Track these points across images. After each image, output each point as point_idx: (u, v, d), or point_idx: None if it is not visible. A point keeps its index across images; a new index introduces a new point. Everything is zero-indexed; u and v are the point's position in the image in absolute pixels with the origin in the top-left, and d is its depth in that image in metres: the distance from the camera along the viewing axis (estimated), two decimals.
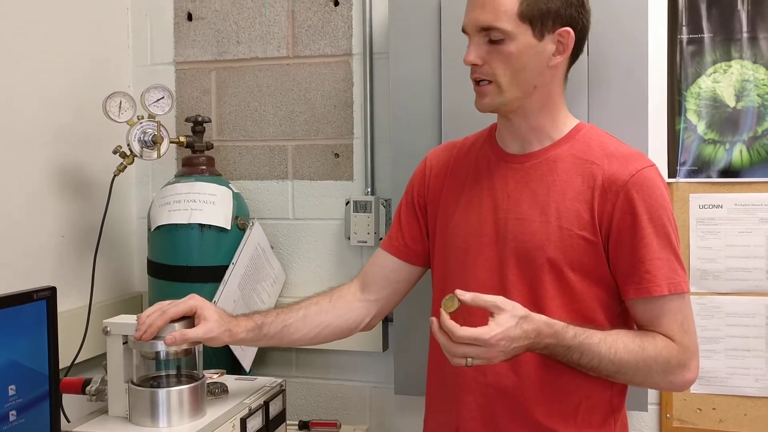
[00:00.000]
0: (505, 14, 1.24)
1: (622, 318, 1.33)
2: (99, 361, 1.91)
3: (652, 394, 1.87)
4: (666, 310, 1.26)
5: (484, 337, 1.15)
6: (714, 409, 1.84)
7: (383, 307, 1.54)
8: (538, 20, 1.25)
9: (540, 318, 1.21)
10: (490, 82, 1.29)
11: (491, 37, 1.26)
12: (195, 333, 1.36)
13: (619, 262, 1.28)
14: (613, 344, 1.24)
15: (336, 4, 2.07)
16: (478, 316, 1.20)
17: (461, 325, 1.16)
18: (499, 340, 1.15)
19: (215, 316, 1.39)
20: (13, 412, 1.17)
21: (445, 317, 1.17)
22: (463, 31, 1.32)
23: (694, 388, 1.84)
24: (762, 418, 1.81)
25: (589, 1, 1.36)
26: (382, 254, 1.53)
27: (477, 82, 1.31)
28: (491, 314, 1.18)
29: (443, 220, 1.44)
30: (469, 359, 1.16)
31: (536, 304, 1.28)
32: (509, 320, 1.17)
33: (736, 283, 1.81)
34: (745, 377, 1.82)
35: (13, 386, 1.17)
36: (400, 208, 1.55)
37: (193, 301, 1.40)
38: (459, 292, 1.18)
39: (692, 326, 1.29)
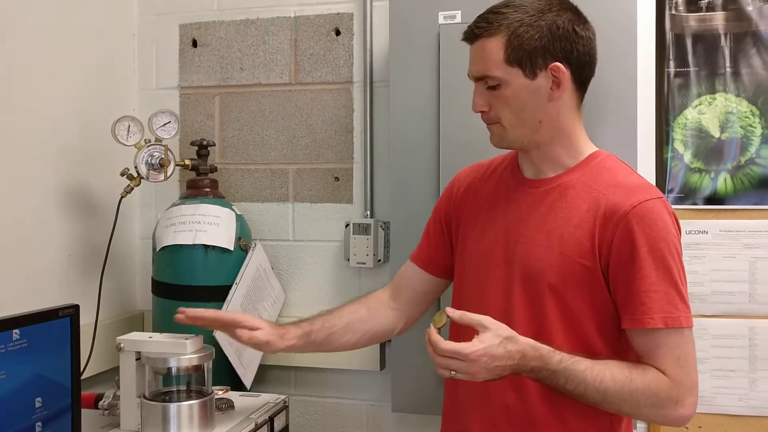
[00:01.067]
0: (494, 62, 1.31)
1: (623, 345, 1.34)
2: (103, 377, 1.96)
3: None
4: (662, 343, 1.26)
5: (465, 352, 1.20)
6: (700, 427, 1.91)
7: (411, 316, 1.61)
8: (526, 61, 1.30)
9: (526, 341, 1.25)
10: (497, 122, 1.36)
11: (488, 83, 1.33)
12: (258, 335, 1.43)
13: (617, 291, 1.30)
14: (599, 373, 1.25)
15: (338, 33, 2.15)
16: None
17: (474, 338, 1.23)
18: (480, 356, 1.20)
19: (265, 324, 1.47)
20: (39, 423, 1.21)
21: (432, 331, 1.24)
22: (469, 77, 1.39)
23: None
24: None
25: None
26: (411, 266, 1.60)
27: (488, 122, 1.39)
28: (477, 332, 1.23)
29: (464, 238, 1.49)
30: (452, 372, 1.22)
31: (539, 327, 1.33)
32: (492, 339, 1.22)
33: (721, 306, 1.89)
34: (729, 396, 1.90)
35: (39, 399, 1.21)
36: (429, 223, 1.61)
37: (240, 314, 1.50)
38: (449, 310, 1.25)
39: (691, 362, 1.28)
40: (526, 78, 1.31)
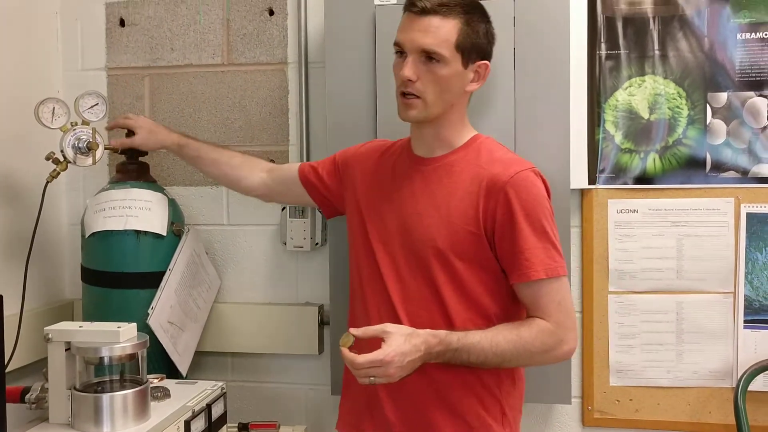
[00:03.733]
0: (446, 42, 1.43)
1: (510, 300, 1.50)
2: (30, 369, 1.90)
3: (575, 388, 1.98)
4: (545, 292, 1.44)
5: (380, 357, 1.34)
6: (631, 399, 1.97)
7: (270, 195, 1.90)
8: (468, 52, 1.46)
9: (425, 331, 1.41)
10: (417, 97, 1.47)
11: (430, 56, 1.44)
12: (132, 141, 1.87)
13: (503, 252, 1.46)
14: (493, 338, 1.42)
15: (271, 13, 2.11)
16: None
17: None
18: (393, 357, 1.34)
19: (148, 126, 1.89)
20: None
21: (344, 351, 1.37)
22: (398, 45, 1.47)
23: (613, 381, 1.97)
24: (672, 406, 1.96)
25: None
26: (296, 167, 1.81)
27: (404, 95, 1.48)
28: (382, 340, 1.36)
29: (361, 210, 1.61)
30: (371, 378, 1.36)
31: (433, 289, 1.48)
32: (398, 339, 1.36)
33: (650, 282, 1.95)
34: (658, 369, 1.96)
35: None
36: (332, 158, 1.77)
37: (133, 120, 1.90)
38: (352, 330, 1.39)
39: (569, 305, 1.47)
40: (461, 66, 1.46)
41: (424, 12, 1.43)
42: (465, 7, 1.45)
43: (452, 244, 1.46)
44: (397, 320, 1.48)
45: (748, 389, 1.85)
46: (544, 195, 1.48)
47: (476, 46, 1.46)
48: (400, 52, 1.47)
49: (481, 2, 1.51)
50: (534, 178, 1.47)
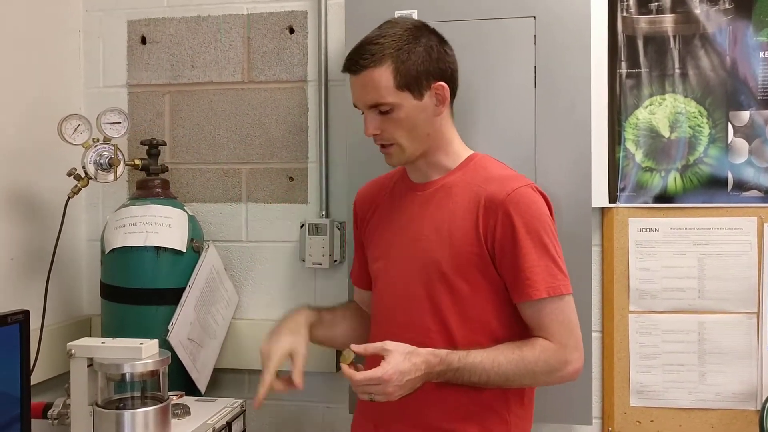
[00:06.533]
0: (386, 89, 1.41)
1: (516, 320, 1.45)
2: (50, 384, 1.90)
3: (596, 409, 1.96)
4: (548, 311, 1.40)
5: (377, 375, 1.31)
6: (652, 421, 1.95)
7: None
8: (414, 85, 1.42)
9: (426, 350, 1.37)
10: (392, 144, 1.46)
11: (380, 109, 1.43)
12: (299, 367, 1.49)
13: (504, 270, 1.43)
14: (495, 358, 1.38)
15: (291, 31, 2.12)
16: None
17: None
18: (392, 375, 1.31)
19: (302, 341, 1.52)
20: None
21: (344, 368, 1.34)
22: (355, 105, 1.49)
23: (634, 402, 1.95)
24: (695, 428, 1.93)
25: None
26: (356, 290, 1.73)
27: (381, 146, 1.48)
28: (383, 357, 1.33)
29: (374, 243, 1.61)
30: (370, 395, 1.33)
31: (437, 314, 1.45)
32: (397, 357, 1.33)
33: (672, 302, 1.93)
34: (679, 390, 1.94)
35: None
36: (355, 247, 1.72)
37: (279, 353, 1.51)
38: (352, 346, 1.35)
39: (573, 324, 1.43)
40: (414, 99, 1.43)
41: (358, 69, 1.42)
42: (394, 43, 1.41)
43: (456, 266, 1.44)
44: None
45: None
46: (545, 211, 1.45)
47: (420, 74, 1.42)
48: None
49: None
50: (533, 194, 1.44)
